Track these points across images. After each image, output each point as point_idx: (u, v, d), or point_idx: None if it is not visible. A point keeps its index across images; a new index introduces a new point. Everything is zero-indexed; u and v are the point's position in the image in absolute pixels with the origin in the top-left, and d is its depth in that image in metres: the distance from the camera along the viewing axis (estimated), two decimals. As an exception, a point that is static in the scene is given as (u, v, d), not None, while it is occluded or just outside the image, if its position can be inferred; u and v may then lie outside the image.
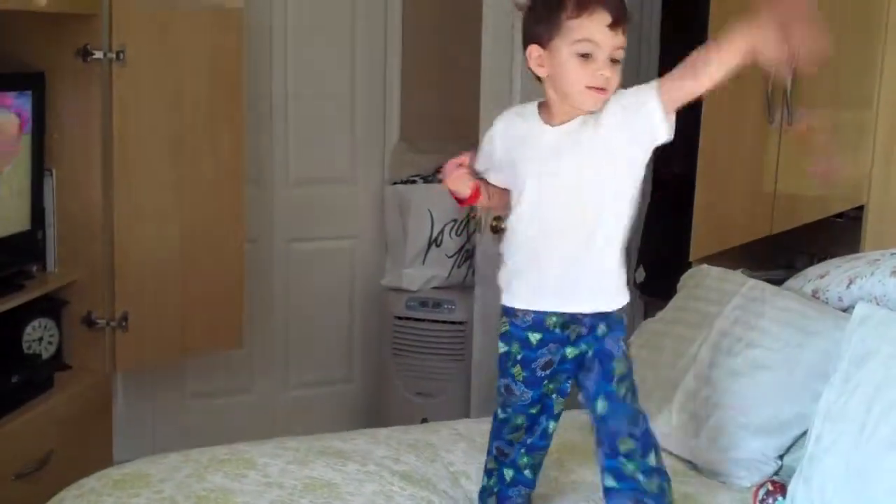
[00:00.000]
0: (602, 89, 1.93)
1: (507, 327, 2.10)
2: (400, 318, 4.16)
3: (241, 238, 3.58)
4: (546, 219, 2.02)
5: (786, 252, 3.50)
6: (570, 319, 2.02)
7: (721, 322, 2.61)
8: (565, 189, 1.99)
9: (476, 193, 2.17)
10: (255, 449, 2.38)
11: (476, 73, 3.64)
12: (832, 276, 2.63)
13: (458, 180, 2.18)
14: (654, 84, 1.91)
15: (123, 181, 3.23)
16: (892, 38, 2.96)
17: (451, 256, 4.18)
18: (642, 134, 1.94)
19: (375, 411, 4.30)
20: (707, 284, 2.80)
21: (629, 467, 2.02)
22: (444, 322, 4.09)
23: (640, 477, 2.02)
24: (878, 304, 2.39)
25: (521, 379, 2.07)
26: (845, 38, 3.06)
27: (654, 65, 4.17)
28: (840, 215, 3.22)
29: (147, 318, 3.34)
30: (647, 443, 2.04)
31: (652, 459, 2.03)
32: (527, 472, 2.16)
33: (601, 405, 2.03)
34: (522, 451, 2.15)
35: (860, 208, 3.09)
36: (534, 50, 1.99)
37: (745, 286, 2.68)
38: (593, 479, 2.16)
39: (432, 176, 4.24)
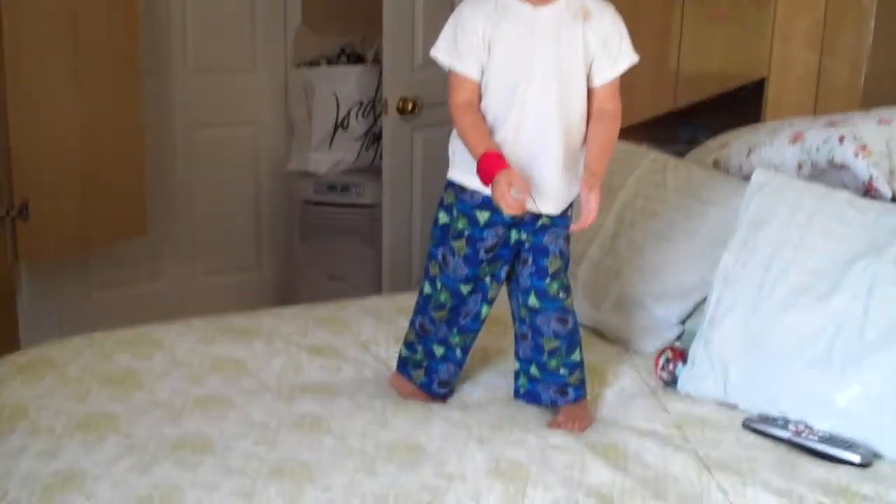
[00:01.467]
0: None
1: (453, 200, 2.07)
2: (308, 202, 4.13)
3: (137, 126, 3.51)
4: (527, 109, 1.98)
5: (689, 127, 3.55)
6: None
7: (624, 194, 2.64)
8: (555, 75, 1.97)
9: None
10: (161, 330, 2.37)
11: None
12: (732, 146, 2.67)
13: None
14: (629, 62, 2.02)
15: (15, 69, 3.12)
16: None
17: (359, 139, 4.14)
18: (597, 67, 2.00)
19: (286, 297, 4.29)
20: (611, 157, 2.82)
21: (552, 363, 2.09)
22: (352, 205, 4.07)
23: (563, 371, 2.09)
24: (776, 171, 2.43)
25: (461, 254, 2.08)
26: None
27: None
28: (742, 88, 3.26)
29: (48, 207, 3.26)
30: (573, 340, 2.10)
31: (576, 355, 2.10)
32: (458, 352, 2.18)
33: (532, 300, 2.07)
34: (455, 330, 2.17)
35: (761, 82, 3.14)
36: None
37: (647, 159, 2.71)
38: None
39: (336, 58, 4.18)
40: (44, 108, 3.22)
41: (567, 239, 2.06)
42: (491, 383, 2.25)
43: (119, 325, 2.72)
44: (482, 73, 1.98)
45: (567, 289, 2.08)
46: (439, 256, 2.12)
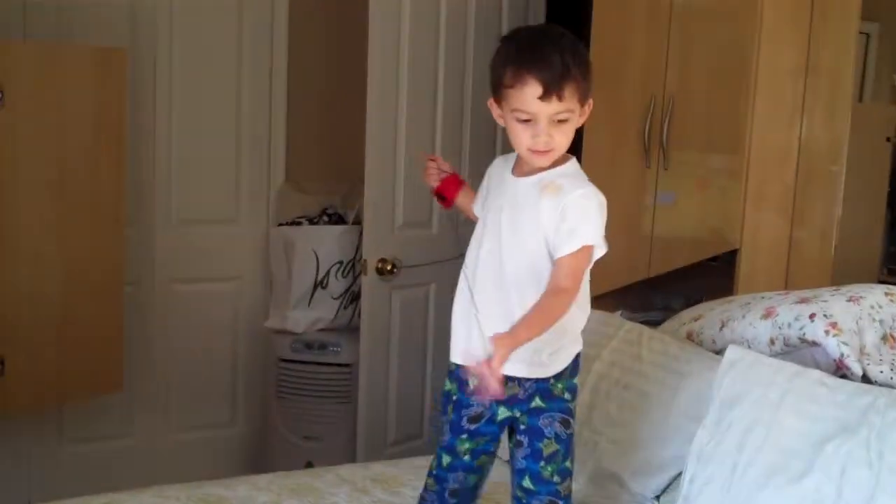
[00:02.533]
0: (544, 151, 1.97)
1: (453, 367, 2.12)
2: (284, 360, 4.13)
3: (120, 280, 3.53)
4: (484, 267, 2.05)
5: (663, 294, 3.60)
6: (506, 377, 1.98)
7: (599, 365, 2.67)
8: (506, 241, 2.03)
9: (453, 186, 2.20)
10: (132, 499, 2.35)
11: (362, 115, 3.66)
12: (706, 318, 2.72)
13: (427, 172, 2.24)
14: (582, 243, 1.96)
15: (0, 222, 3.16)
16: (762, 88, 3.09)
17: (337, 298, 4.17)
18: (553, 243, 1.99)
19: (260, 455, 4.25)
20: (587, 328, 2.83)
21: None
22: (329, 364, 4.07)
23: None
24: (749, 346, 2.47)
25: (448, 419, 2.11)
26: (718, 87, 3.19)
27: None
28: (715, 258, 3.32)
29: (24, 363, 3.26)
30: None
31: None
32: None
33: (526, 482, 2.08)
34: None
35: (734, 252, 3.20)
36: (493, 106, 2.04)
37: (622, 329, 2.75)
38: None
39: (318, 217, 4.24)
40: (25, 261, 3.25)
41: (565, 423, 2.06)
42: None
43: (91, 480, 2.71)
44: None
45: (564, 473, 2.07)
46: (442, 429, 2.15)
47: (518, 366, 2.00)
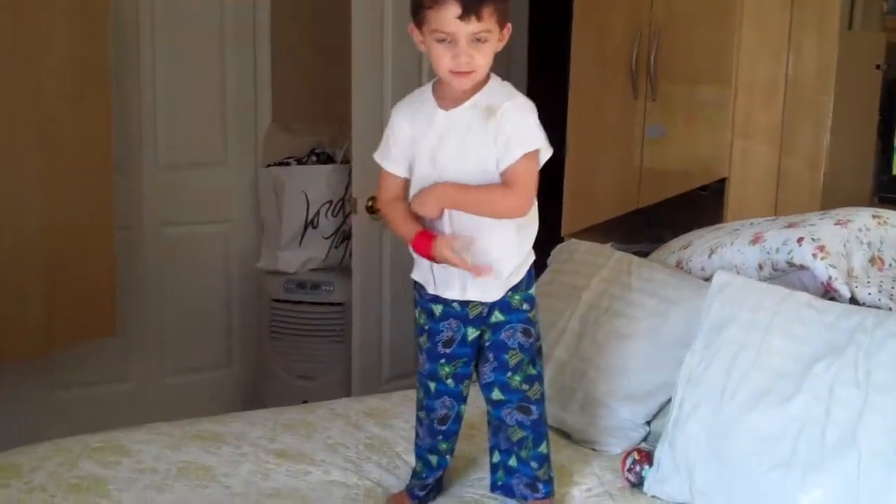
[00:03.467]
0: (465, 73, 1.97)
1: (416, 296, 2.17)
2: (277, 300, 4.14)
3: (110, 225, 3.52)
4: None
5: (653, 226, 3.60)
6: (463, 302, 2.08)
7: (588, 294, 2.68)
8: (452, 173, 2.02)
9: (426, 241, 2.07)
10: (127, 436, 2.37)
11: (347, 52, 3.64)
12: (694, 246, 2.72)
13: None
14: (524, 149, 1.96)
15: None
16: (748, 17, 3.07)
17: (329, 238, 4.17)
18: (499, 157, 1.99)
19: (255, 396, 4.27)
20: (576, 258, 2.87)
21: (522, 454, 2.13)
22: (322, 304, 4.08)
23: (533, 463, 2.12)
24: (737, 272, 2.48)
25: (424, 348, 2.15)
26: (705, 17, 3.17)
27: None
28: (704, 188, 3.32)
29: (13, 309, 3.26)
30: (539, 431, 2.12)
31: (544, 448, 2.13)
32: (447, 457, 2.22)
33: (496, 393, 2.12)
34: (439, 436, 2.20)
35: (723, 181, 3.20)
36: (413, 31, 2.03)
37: (611, 259, 2.75)
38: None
39: (306, 157, 4.22)
40: (12, 210, 3.24)
41: (526, 332, 2.08)
42: (459, 491, 2.26)
43: (86, 425, 2.70)
44: (411, 169, 2.08)
45: (531, 379, 2.11)
46: (419, 360, 2.18)
47: (471, 293, 2.05)
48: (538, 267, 2.17)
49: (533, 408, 2.11)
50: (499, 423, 2.14)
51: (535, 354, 2.12)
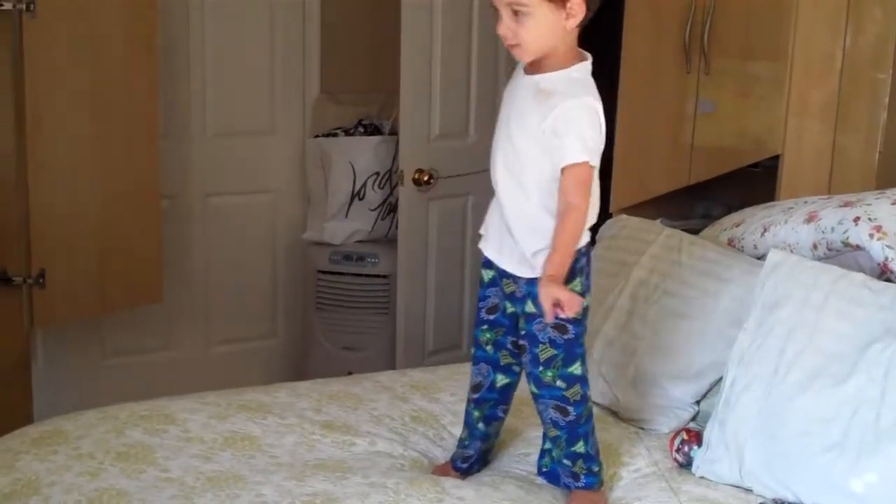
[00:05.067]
0: (512, 45, 1.96)
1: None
2: (323, 272, 4.14)
3: (156, 192, 3.53)
4: (495, 164, 2.05)
5: (704, 202, 3.56)
6: (501, 273, 2.08)
7: (639, 271, 2.64)
8: (509, 141, 2.02)
9: None
10: (174, 404, 2.37)
11: (397, 25, 3.61)
12: (747, 224, 2.68)
13: None
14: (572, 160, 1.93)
15: (36, 135, 3.15)
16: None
17: (375, 210, 4.16)
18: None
19: (300, 366, 4.29)
20: (625, 234, 2.83)
21: (556, 452, 2.10)
22: (367, 276, 4.08)
23: (566, 461, 2.08)
24: (791, 251, 2.44)
25: (477, 312, 2.17)
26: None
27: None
28: (756, 165, 3.27)
29: (64, 275, 3.27)
30: (574, 432, 2.07)
31: (580, 447, 2.07)
32: (480, 426, 2.20)
33: (532, 386, 2.09)
34: (472, 405, 2.19)
35: (776, 158, 3.15)
36: None
37: (662, 235, 2.72)
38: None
39: (354, 129, 4.21)
40: (63, 174, 3.24)
41: (560, 328, 2.01)
42: (505, 465, 2.24)
43: (132, 392, 2.73)
44: None
45: (570, 379, 2.04)
46: None
47: (505, 261, 2.05)
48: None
49: (571, 409, 2.05)
50: (539, 415, 2.12)
51: (572, 352, 2.04)
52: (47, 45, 3.13)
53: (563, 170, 1.93)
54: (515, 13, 1.92)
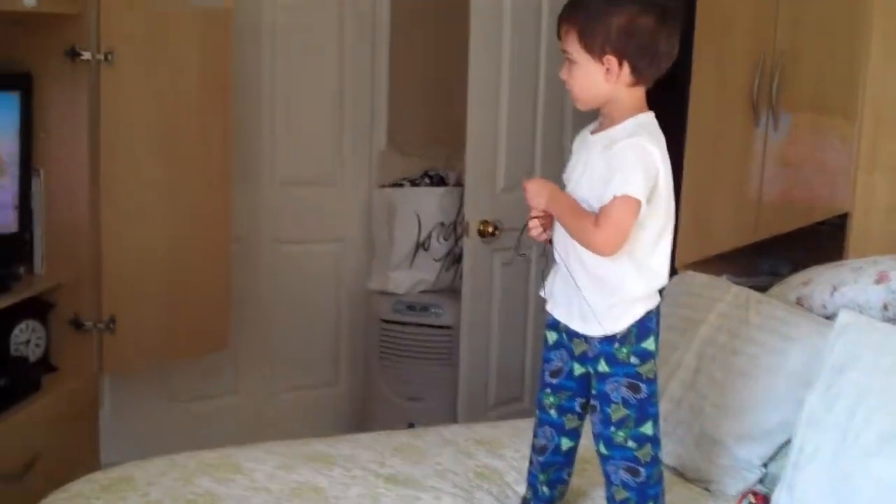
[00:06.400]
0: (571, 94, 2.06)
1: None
2: (386, 321, 4.16)
3: (227, 239, 3.58)
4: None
5: (770, 259, 3.52)
6: (569, 334, 2.09)
7: (705, 329, 2.63)
8: (575, 196, 2.05)
9: None
10: (242, 453, 2.40)
11: (464, 77, 3.65)
12: (816, 283, 2.65)
13: (529, 229, 2.15)
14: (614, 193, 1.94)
15: (111, 182, 3.22)
16: (876, 46, 2.98)
17: (439, 260, 4.18)
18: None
19: (361, 415, 4.30)
20: (692, 291, 2.82)
21: None
22: (431, 326, 4.09)
23: None
24: (861, 311, 2.41)
25: (540, 374, 2.17)
26: (830, 45, 3.09)
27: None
28: (824, 222, 3.24)
29: (134, 320, 3.32)
30: (645, 494, 2.06)
31: None
32: (543, 489, 2.20)
33: (601, 447, 2.08)
34: (537, 467, 2.20)
35: (844, 215, 3.12)
36: None
37: (729, 293, 2.70)
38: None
39: (419, 179, 4.24)
40: (136, 220, 3.30)
41: (633, 387, 2.02)
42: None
43: (197, 437, 2.76)
44: None
45: (642, 439, 2.04)
46: None
47: (575, 321, 2.06)
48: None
49: (642, 470, 2.04)
50: (605, 477, 2.10)
51: (644, 412, 2.03)
52: (123, 92, 3.20)
53: (603, 205, 1.95)
54: (567, 60, 2.02)
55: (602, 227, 1.94)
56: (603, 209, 1.95)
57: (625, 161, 1.94)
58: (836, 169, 3.13)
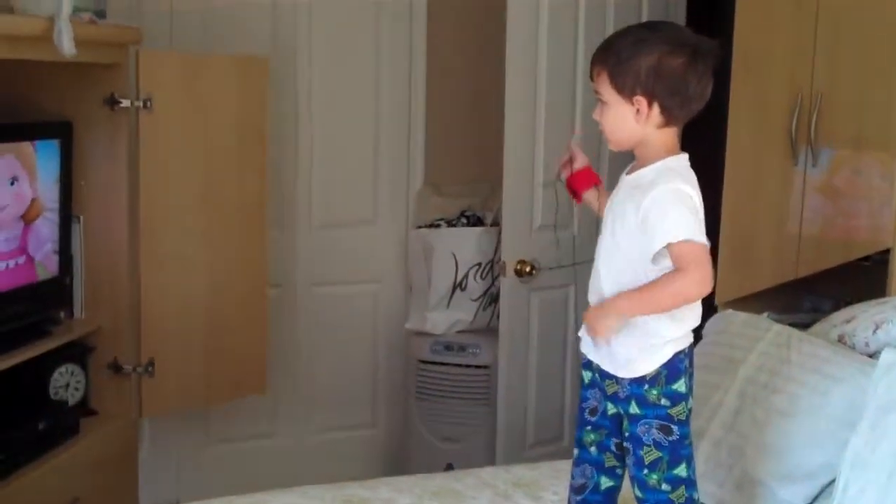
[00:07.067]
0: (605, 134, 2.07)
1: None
2: (424, 361, 4.15)
3: (264, 284, 3.60)
4: (597, 264, 2.10)
5: (812, 295, 3.48)
6: (602, 374, 2.08)
7: (746, 368, 2.60)
8: (605, 242, 2.08)
9: (584, 180, 2.23)
10: (277, 499, 2.38)
11: (500, 116, 3.65)
12: (858, 320, 2.62)
13: (561, 162, 2.26)
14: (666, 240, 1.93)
15: (149, 228, 3.25)
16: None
17: (476, 300, 4.17)
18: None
19: (399, 456, 4.28)
20: (732, 330, 2.79)
21: None
22: (468, 366, 4.07)
23: None
24: (905, 349, 2.37)
25: (579, 414, 2.17)
26: (867, 80, 3.07)
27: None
28: (866, 258, 3.20)
29: (173, 365, 3.34)
30: None
31: None
32: None
33: (636, 490, 2.07)
34: None
35: (886, 251, 3.08)
36: None
37: (770, 332, 2.67)
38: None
39: (456, 220, 4.24)
40: (173, 265, 3.33)
41: (665, 429, 2.00)
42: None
43: (235, 480, 2.76)
44: None
45: (676, 481, 2.02)
46: None
47: (605, 362, 2.06)
48: (694, 339, 2.11)
49: None
50: None
51: (678, 455, 2.01)
52: (162, 139, 3.24)
53: (669, 248, 1.93)
54: (599, 101, 2.03)
55: (688, 271, 1.92)
56: (675, 258, 1.93)
57: (661, 214, 1.93)
58: (876, 204, 3.10)
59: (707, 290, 1.94)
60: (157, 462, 3.87)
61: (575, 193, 2.27)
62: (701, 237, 1.93)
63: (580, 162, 2.25)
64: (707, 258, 1.94)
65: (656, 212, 1.93)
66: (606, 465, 2.14)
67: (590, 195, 2.26)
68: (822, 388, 2.41)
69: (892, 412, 2.13)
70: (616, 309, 1.97)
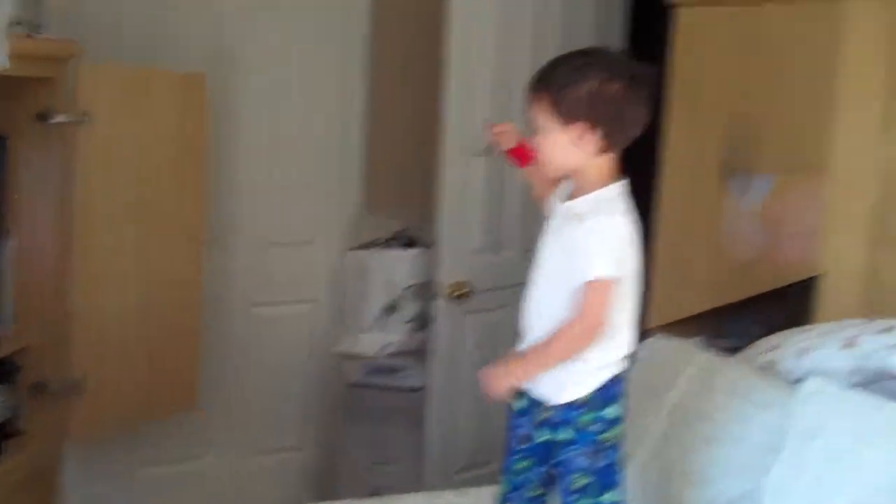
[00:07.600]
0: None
1: None
2: (354, 384, 4.11)
3: (197, 301, 3.56)
4: (528, 292, 2.12)
5: (745, 320, 3.52)
6: (533, 401, 2.08)
7: (674, 394, 2.61)
8: (543, 267, 2.09)
9: (528, 152, 2.22)
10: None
11: (437, 138, 3.65)
12: (784, 348, 2.65)
13: (496, 133, 2.30)
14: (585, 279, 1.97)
15: (83, 244, 3.18)
16: (845, 108, 3.01)
17: (409, 321, 4.16)
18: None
19: (328, 479, 4.24)
20: (661, 356, 2.81)
21: None
22: (399, 389, 4.04)
23: None
24: (828, 377, 2.40)
25: (508, 442, 2.17)
26: (800, 107, 3.12)
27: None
28: (795, 284, 3.24)
29: (103, 384, 3.27)
30: None
31: None
32: None
33: None
34: None
35: (815, 278, 3.12)
36: None
37: (697, 358, 2.69)
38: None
39: (391, 240, 4.24)
40: (106, 278, 3.27)
41: (595, 455, 2.02)
42: None
43: (163, 500, 2.69)
44: None
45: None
46: None
47: (538, 387, 2.07)
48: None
49: None
50: None
51: (608, 480, 2.04)
52: (99, 154, 3.18)
53: (579, 288, 1.96)
54: (536, 128, 2.04)
55: (583, 318, 1.96)
56: (579, 301, 1.96)
57: (588, 244, 1.97)
58: (806, 231, 3.14)
59: (598, 338, 1.98)
60: (82, 484, 3.78)
61: (519, 160, 2.31)
62: (611, 273, 1.96)
63: (512, 138, 2.29)
64: (604, 307, 1.97)
65: (582, 249, 1.97)
66: (534, 493, 2.14)
67: (530, 171, 2.28)
68: (746, 414, 2.43)
69: (814, 440, 2.16)
70: (513, 376, 2.04)
